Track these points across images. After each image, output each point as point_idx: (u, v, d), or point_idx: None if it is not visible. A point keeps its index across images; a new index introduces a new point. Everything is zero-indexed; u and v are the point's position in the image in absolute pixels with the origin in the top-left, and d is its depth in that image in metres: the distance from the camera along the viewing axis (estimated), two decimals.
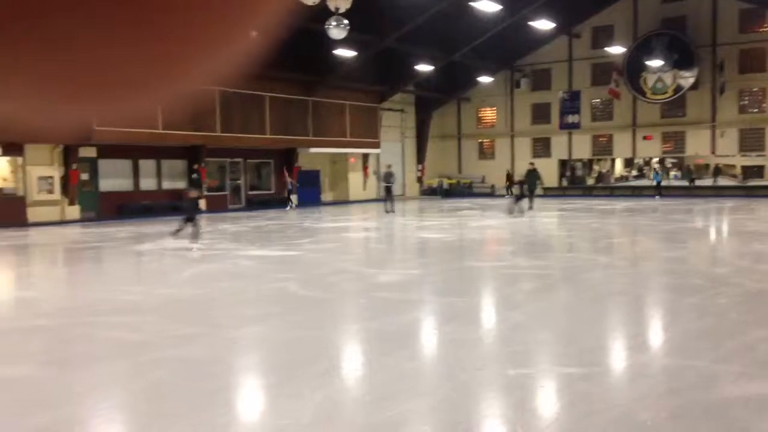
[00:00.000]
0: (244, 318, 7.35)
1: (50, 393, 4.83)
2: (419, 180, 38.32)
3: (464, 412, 4.33)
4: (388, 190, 24.74)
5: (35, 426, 4.14)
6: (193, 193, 14.07)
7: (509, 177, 36.13)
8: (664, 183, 32.14)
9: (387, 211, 23.84)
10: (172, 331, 6.64)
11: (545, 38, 34.32)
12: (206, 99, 25.70)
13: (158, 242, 15.50)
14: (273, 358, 5.75)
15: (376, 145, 33.93)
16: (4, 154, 21.14)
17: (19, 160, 21.71)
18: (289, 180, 28.01)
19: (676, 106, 33.80)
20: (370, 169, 34.73)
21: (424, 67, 31.52)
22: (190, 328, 6.73)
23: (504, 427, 4.16)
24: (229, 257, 12.64)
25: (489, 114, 39.17)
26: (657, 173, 32.59)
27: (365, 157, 34.09)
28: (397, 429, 4.05)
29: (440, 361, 5.68)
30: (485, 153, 39.42)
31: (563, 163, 37.21)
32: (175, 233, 13.75)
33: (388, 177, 25.05)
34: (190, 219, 13.52)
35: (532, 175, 23.73)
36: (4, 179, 21.91)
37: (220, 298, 8.56)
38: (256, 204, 28.98)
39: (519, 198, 21.36)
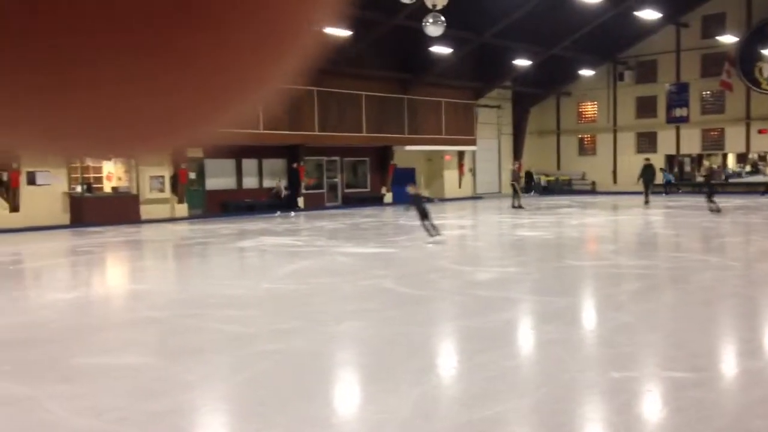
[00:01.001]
0: (342, 313, 7.49)
1: (163, 381, 5.10)
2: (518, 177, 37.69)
3: (566, 414, 4.23)
4: (515, 187, 25.89)
5: (151, 412, 4.39)
6: (414, 188, 14.10)
7: (514, 175, 34.82)
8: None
9: (514, 207, 24.39)
10: (274, 325, 6.86)
11: (651, 28, 32.86)
12: (304, 99, 26.35)
13: (259, 239, 16.04)
14: (371, 353, 5.83)
15: (472, 143, 33.61)
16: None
17: (133, 160, 23.03)
18: (281, 185, 26.42)
19: None
20: (466, 167, 34.46)
21: (522, 62, 30.94)
22: (291, 323, 6.92)
23: (608, 431, 4.03)
24: (326, 254, 12.90)
25: (590, 108, 37.97)
26: (665, 172, 32.66)
27: (461, 154, 33.86)
28: (496, 428, 4.01)
29: (540, 361, 5.57)
30: (586, 149, 38.25)
31: (670, 159, 35.54)
32: (431, 229, 13.60)
33: (516, 174, 26.36)
34: (424, 214, 13.55)
35: (648, 171, 25.54)
36: (119, 179, 23.33)
37: (319, 294, 8.75)
38: (352, 201, 29.43)
39: (711, 194, 20.13)
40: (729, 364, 5.50)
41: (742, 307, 7.53)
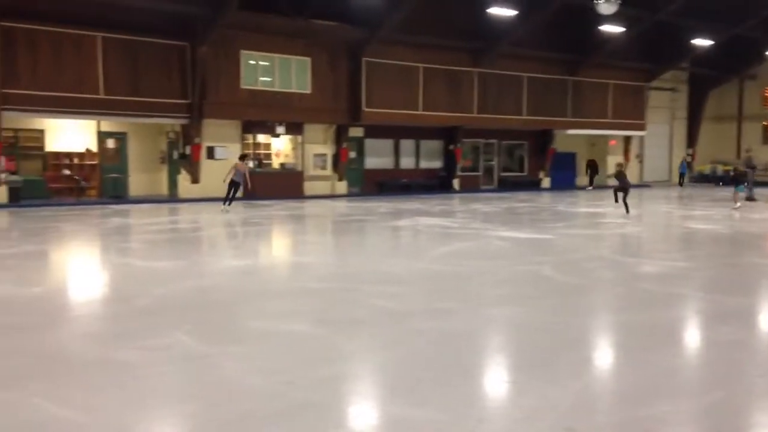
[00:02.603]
0: (498, 297, 7.42)
1: (325, 349, 5.34)
2: (689, 165, 35.22)
3: (743, 420, 3.91)
4: (746, 176, 23.38)
5: (315, 378, 4.61)
6: (619, 171, 17.88)
7: (592, 165, 30.84)
8: None
9: (749, 199, 22.11)
10: (430, 304, 6.93)
11: None
12: (464, 80, 26.19)
13: (415, 219, 16.25)
14: (528, 340, 5.72)
15: (641, 127, 31.80)
16: (287, 132, 23.71)
17: (299, 138, 24.19)
18: (239, 170, 18.47)
19: None
20: (633, 153, 32.67)
21: (701, 42, 28.66)
22: (446, 303, 6.96)
23: None
24: (481, 236, 12.82)
25: None
26: (684, 164, 31.46)
27: (627, 139, 32.15)
28: (663, 428, 3.78)
29: (712, 362, 5.18)
30: None
31: None
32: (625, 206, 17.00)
33: (749, 161, 23.64)
34: (624, 190, 17.43)
35: None
36: (286, 155, 24.60)
37: (475, 276, 8.72)
38: (508, 185, 29.00)
39: None
40: None
41: None
